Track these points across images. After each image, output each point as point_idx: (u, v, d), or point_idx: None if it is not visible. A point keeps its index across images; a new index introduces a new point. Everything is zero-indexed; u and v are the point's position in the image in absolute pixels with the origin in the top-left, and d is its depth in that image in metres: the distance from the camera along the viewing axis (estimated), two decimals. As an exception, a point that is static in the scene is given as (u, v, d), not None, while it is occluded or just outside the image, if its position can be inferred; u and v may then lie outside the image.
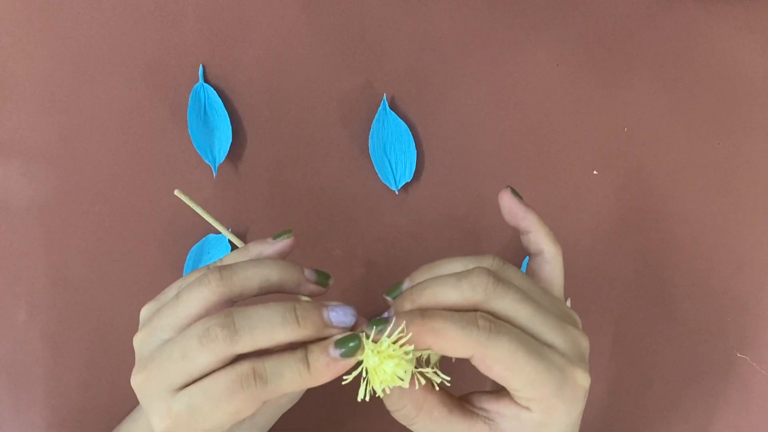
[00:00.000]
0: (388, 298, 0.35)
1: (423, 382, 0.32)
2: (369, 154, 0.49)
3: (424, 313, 0.31)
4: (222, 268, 0.33)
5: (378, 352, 0.30)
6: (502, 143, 0.50)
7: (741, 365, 0.52)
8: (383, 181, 0.49)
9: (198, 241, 0.48)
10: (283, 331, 0.31)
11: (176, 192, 0.38)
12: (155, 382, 0.32)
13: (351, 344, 0.31)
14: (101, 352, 0.49)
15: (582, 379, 0.32)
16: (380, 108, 0.49)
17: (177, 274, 0.48)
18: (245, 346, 0.31)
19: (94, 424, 0.48)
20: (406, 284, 0.35)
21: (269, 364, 0.31)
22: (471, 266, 0.33)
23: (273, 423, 0.36)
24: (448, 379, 0.32)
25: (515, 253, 0.50)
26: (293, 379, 0.31)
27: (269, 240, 0.36)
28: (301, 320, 0.31)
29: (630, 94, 0.51)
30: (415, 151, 0.49)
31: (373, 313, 0.50)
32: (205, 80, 0.49)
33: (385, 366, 0.30)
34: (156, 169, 0.49)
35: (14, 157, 0.48)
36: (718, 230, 0.52)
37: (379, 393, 0.31)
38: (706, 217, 0.52)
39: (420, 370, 0.32)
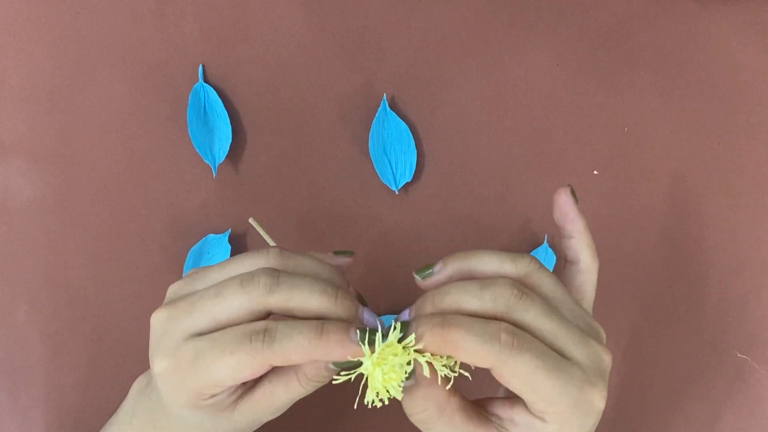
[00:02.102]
0: (417, 277, 0.35)
1: (448, 379, 0.31)
2: (369, 154, 0.49)
3: (445, 321, 0.30)
4: (284, 252, 0.33)
5: (378, 357, 0.30)
6: (502, 143, 0.50)
7: (741, 365, 0.52)
8: (383, 181, 0.49)
9: (198, 241, 0.48)
10: (318, 300, 0.31)
11: (251, 220, 0.40)
12: (178, 319, 0.32)
13: (371, 335, 0.30)
14: (101, 352, 0.49)
15: (598, 400, 0.32)
16: (380, 108, 0.49)
17: (177, 274, 0.48)
18: (280, 300, 0.31)
19: (94, 424, 0.48)
20: (437, 267, 0.34)
21: (282, 325, 0.31)
22: (506, 264, 0.33)
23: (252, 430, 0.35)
24: (467, 374, 0.32)
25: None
26: (301, 344, 0.30)
27: (329, 254, 0.36)
28: (339, 299, 0.31)
29: (630, 94, 0.51)
30: (415, 151, 0.49)
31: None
32: (205, 80, 0.49)
33: (380, 372, 0.30)
34: (156, 169, 0.49)
35: (14, 157, 0.48)
36: (718, 230, 0.52)
37: (374, 398, 0.30)
38: (706, 217, 0.52)
39: (443, 364, 0.31)
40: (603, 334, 0.35)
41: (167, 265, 0.49)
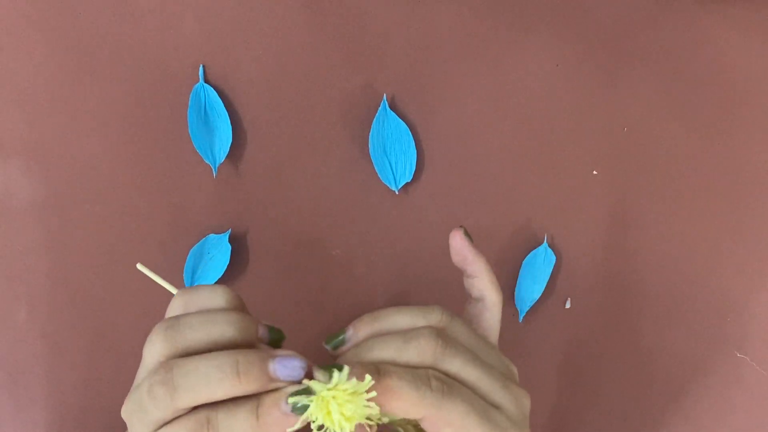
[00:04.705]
0: (328, 348, 0.34)
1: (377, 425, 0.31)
2: (369, 154, 0.49)
3: (380, 368, 0.30)
4: (168, 326, 0.31)
5: (333, 397, 0.28)
6: (502, 143, 0.50)
7: (741, 365, 0.52)
8: (383, 181, 0.49)
9: (198, 241, 0.48)
10: (222, 387, 0.29)
11: (138, 266, 0.37)
12: (134, 418, 0.31)
13: (304, 402, 0.29)
14: (101, 352, 0.49)
15: None
16: (380, 108, 0.49)
17: (177, 274, 0.48)
18: (187, 401, 0.30)
19: (94, 424, 0.48)
20: (349, 332, 0.34)
21: (222, 415, 0.30)
22: (419, 321, 0.33)
23: None
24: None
25: (514, 252, 0.50)
26: None
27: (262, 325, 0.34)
28: (243, 375, 0.29)
29: (630, 94, 0.51)
30: (415, 151, 0.49)
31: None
32: (205, 80, 0.49)
33: (342, 409, 0.28)
34: (156, 169, 0.49)
35: (14, 157, 0.48)
36: (718, 230, 0.52)
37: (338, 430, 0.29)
38: (706, 217, 0.52)
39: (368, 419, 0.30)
40: (516, 371, 0.35)
41: (167, 265, 0.49)
